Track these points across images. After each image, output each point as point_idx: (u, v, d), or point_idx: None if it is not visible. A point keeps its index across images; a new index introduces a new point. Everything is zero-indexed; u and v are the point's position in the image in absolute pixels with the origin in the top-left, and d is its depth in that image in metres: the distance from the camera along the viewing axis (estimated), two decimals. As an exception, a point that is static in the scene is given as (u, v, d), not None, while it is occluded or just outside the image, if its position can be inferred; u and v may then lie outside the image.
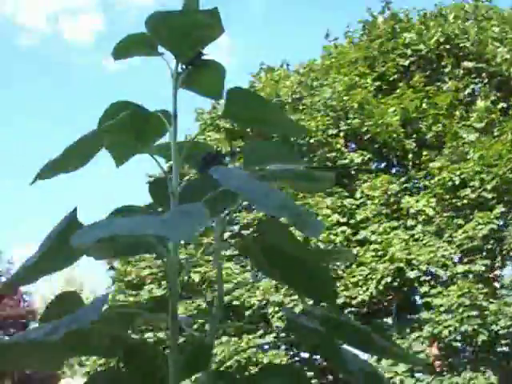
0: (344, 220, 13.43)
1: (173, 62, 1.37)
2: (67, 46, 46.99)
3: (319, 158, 14.82)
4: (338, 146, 14.85)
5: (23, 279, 1.22)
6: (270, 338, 13.11)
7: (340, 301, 12.36)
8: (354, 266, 12.79)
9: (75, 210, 1.18)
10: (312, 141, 14.68)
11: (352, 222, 13.53)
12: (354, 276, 12.81)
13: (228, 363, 12.43)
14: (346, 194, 14.08)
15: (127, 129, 1.32)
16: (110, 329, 1.24)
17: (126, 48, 1.39)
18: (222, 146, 15.59)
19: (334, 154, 14.79)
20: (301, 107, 15.50)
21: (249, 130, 15.25)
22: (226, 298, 13.55)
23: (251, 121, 1.40)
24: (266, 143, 1.46)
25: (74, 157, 1.24)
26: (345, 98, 14.82)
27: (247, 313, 13.62)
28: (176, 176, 1.28)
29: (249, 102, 1.28)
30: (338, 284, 12.34)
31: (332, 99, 15.13)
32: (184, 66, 1.39)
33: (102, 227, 1.00)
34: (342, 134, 15.11)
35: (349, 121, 14.92)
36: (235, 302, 13.54)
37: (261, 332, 13.35)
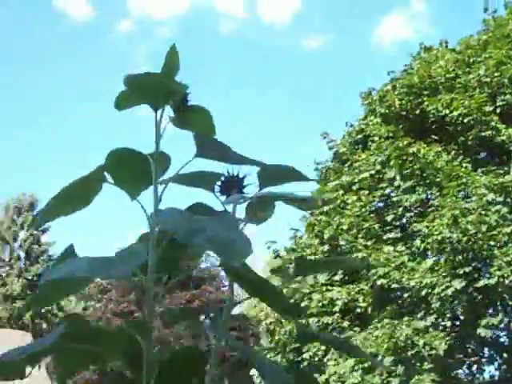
0: (500, 199, 13.12)
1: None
2: (265, 28, 48.13)
3: (474, 137, 14.57)
4: (493, 123, 14.48)
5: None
6: (430, 319, 13.12)
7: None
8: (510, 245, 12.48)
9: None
10: (466, 120, 14.45)
11: (508, 200, 13.18)
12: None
13: (385, 346, 12.57)
14: (502, 171, 13.73)
15: (129, 169, 1.61)
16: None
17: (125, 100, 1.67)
18: (376, 131, 15.69)
19: (489, 132, 14.46)
20: (457, 85, 15.25)
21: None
22: (385, 281, 13.69)
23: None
24: (280, 166, 1.69)
25: (75, 198, 1.54)
26: (495, 73, 14.45)
27: (406, 295, 13.67)
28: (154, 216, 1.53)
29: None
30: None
31: (486, 75, 14.79)
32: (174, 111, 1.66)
33: (56, 270, 1.32)
34: (498, 110, 14.74)
35: (503, 96, 14.53)
36: (394, 285, 13.62)
37: (421, 314, 13.38)
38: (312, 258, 15.95)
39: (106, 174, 1.55)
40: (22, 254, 32.30)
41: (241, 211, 1.73)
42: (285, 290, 16.04)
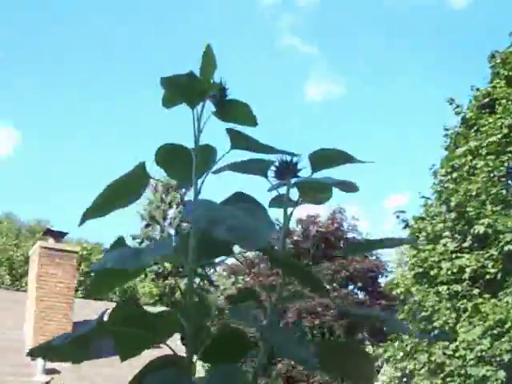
0: None
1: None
2: None
3: None
4: None
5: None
6: None
7: None
8: None
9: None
10: None
11: None
12: None
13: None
14: None
15: (178, 162, 1.73)
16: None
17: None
18: (503, 94, 15.20)
19: None
20: None
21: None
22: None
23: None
24: (330, 149, 1.76)
25: (123, 194, 1.66)
26: None
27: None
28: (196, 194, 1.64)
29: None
30: None
31: None
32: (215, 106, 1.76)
33: (101, 262, 1.45)
34: None
35: None
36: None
37: None
38: (441, 225, 15.77)
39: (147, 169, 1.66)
40: (172, 232, 32.98)
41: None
42: (414, 260, 15.94)
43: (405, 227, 17.48)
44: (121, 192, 1.65)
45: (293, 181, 1.78)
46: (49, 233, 13.30)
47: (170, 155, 1.71)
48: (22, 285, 26.64)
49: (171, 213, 32.75)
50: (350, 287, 25.95)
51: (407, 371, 15.72)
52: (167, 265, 33.18)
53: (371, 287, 25.72)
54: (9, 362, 11.17)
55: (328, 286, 24.69)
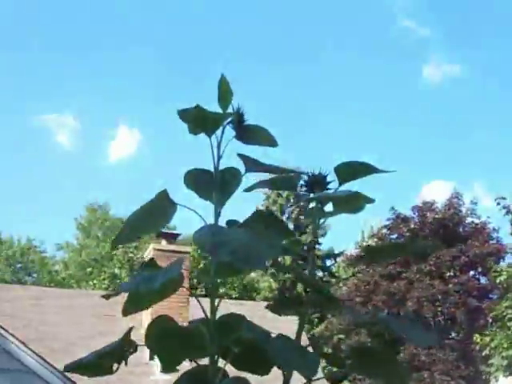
0: None
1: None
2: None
3: None
4: None
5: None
6: None
7: None
8: None
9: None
10: None
11: None
12: None
13: None
14: None
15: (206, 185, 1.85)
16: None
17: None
18: None
19: None
20: None
21: None
22: None
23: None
24: (355, 162, 1.86)
25: (147, 223, 1.81)
26: None
27: None
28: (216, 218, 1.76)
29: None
30: None
31: None
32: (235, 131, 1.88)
33: (128, 284, 1.60)
34: None
35: None
36: None
37: None
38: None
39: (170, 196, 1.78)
40: (291, 226, 33.14)
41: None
42: None
43: (506, 214, 17.30)
44: (147, 220, 1.79)
45: (311, 195, 1.87)
46: (162, 235, 13.73)
47: (197, 178, 1.83)
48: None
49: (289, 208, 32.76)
50: (471, 272, 25.38)
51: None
52: (287, 258, 33.57)
53: (492, 272, 25.08)
54: (129, 361, 11.53)
55: (448, 273, 24.27)
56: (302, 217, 32.52)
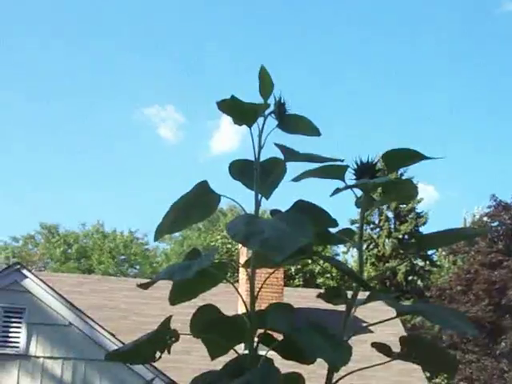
0: None
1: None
2: None
3: None
4: None
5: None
6: None
7: None
8: None
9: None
10: None
11: None
12: None
13: None
14: None
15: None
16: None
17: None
18: None
19: None
20: None
21: None
22: None
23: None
24: (402, 149, 1.85)
25: (189, 213, 1.82)
26: None
27: None
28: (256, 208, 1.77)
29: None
30: None
31: None
32: (278, 121, 1.88)
33: (164, 272, 1.63)
34: None
35: None
36: None
37: None
38: None
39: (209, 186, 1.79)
40: (391, 215, 32.93)
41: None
42: None
43: None
44: (189, 211, 1.80)
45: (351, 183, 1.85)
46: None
47: (242, 169, 1.84)
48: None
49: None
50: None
51: None
52: (387, 248, 33.29)
53: None
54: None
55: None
56: (402, 205, 32.21)
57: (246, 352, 1.71)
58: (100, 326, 9.27)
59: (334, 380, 1.65)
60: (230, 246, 31.02)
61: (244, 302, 1.72)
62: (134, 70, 54.75)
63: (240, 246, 15.41)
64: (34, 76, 54.29)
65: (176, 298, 1.86)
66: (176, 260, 39.25)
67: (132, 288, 17.63)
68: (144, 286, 1.64)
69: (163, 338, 1.70)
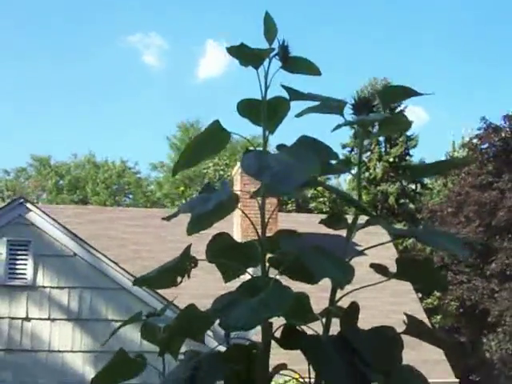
0: None
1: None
2: None
3: None
4: None
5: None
6: None
7: None
8: None
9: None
10: None
11: None
12: None
13: None
14: None
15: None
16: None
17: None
18: None
19: None
20: None
21: None
22: None
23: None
24: (397, 86, 2.00)
25: (203, 150, 1.99)
26: None
27: None
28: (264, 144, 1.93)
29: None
30: None
31: None
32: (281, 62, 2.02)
33: (185, 205, 1.80)
34: None
35: None
36: None
37: None
38: None
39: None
40: (381, 138, 32.84)
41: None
42: None
43: None
44: (203, 147, 1.97)
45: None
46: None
47: (250, 107, 2.00)
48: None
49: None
50: None
51: None
52: (378, 171, 33.49)
53: None
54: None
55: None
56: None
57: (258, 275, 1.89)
58: (103, 255, 9.49)
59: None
60: (222, 172, 31.25)
61: (254, 227, 1.88)
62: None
63: (233, 173, 15.63)
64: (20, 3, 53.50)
65: (194, 228, 2.03)
66: (168, 188, 39.50)
67: (128, 217, 17.91)
68: (167, 219, 1.82)
69: (184, 264, 1.88)
